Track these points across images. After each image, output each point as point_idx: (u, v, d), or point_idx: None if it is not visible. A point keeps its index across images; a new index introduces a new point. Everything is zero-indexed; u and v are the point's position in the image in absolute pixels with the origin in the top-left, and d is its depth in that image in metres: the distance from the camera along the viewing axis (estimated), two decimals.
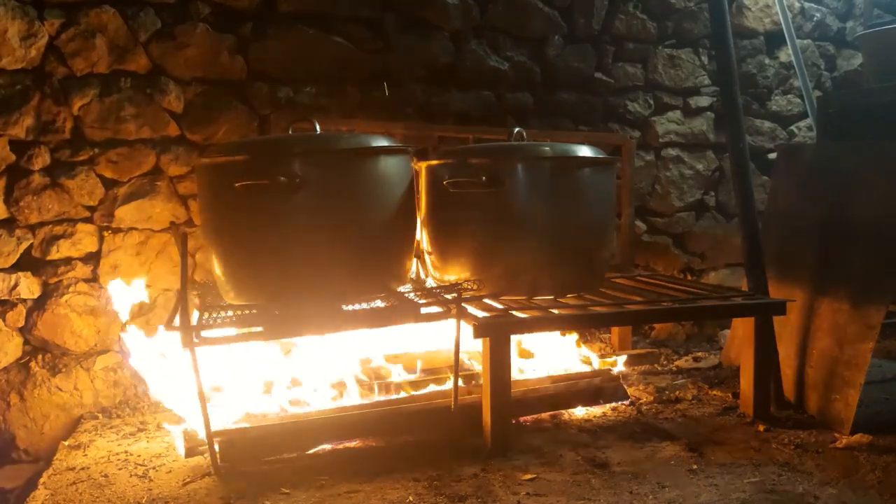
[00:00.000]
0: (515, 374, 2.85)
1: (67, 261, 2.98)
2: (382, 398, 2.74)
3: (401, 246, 2.51)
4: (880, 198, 2.70)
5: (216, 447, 2.29)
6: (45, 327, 2.95)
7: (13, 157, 2.86)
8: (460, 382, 2.78)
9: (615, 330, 3.51)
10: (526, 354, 3.19)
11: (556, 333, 3.18)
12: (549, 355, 3.15)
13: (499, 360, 2.42)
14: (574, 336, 3.35)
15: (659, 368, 3.45)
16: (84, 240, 2.99)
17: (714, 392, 3.05)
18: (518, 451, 2.44)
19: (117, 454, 2.53)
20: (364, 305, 2.43)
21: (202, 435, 2.32)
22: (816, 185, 3.02)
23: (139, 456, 2.50)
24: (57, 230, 2.95)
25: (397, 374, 2.89)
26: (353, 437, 2.53)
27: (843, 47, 4.25)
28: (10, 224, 2.88)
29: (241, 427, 2.42)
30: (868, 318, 2.57)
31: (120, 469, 2.40)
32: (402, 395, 2.79)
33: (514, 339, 3.05)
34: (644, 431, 2.63)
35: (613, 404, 2.89)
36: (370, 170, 2.39)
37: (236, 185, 2.23)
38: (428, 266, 2.85)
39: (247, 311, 2.37)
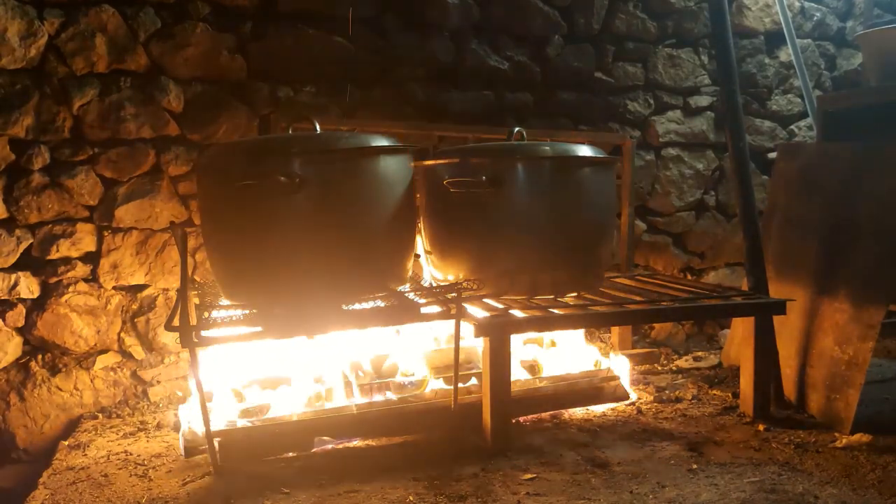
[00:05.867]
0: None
1: (67, 260, 2.98)
2: (383, 398, 2.74)
3: (401, 246, 2.51)
4: (880, 197, 2.70)
5: (216, 447, 2.29)
6: (45, 327, 2.95)
7: (13, 157, 2.86)
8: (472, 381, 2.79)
9: (615, 330, 3.51)
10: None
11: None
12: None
13: (499, 359, 2.42)
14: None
15: (659, 368, 3.45)
16: (84, 239, 2.98)
17: (714, 392, 3.05)
18: (518, 450, 2.44)
19: (117, 454, 2.53)
20: (364, 305, 2.43)
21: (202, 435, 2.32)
22: (816, 185, 3.02)
23: (139, 456, 2.50)
24: (56, 230, 2.95)
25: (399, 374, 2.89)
26: (353, 437, 2.53)
27: (843, 47, 4.25)
28: (9, 224, 2.88)
29: (241, 427, 2.42)
30: (868, 317, 2.57)
31: (120, 469, 2.40)
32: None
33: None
34: (644, 431, 2.63)
35: (613, 404, 2.89)
36: (370, 170, 2.39)
37: (236, 184, 2.23)
38: (428, 266, 2.84)
39: (247, 311, 2.37)
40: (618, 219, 3.43)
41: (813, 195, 3.01)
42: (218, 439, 2.32)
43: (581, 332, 3.21)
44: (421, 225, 2.78)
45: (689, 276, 3.98)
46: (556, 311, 2.51)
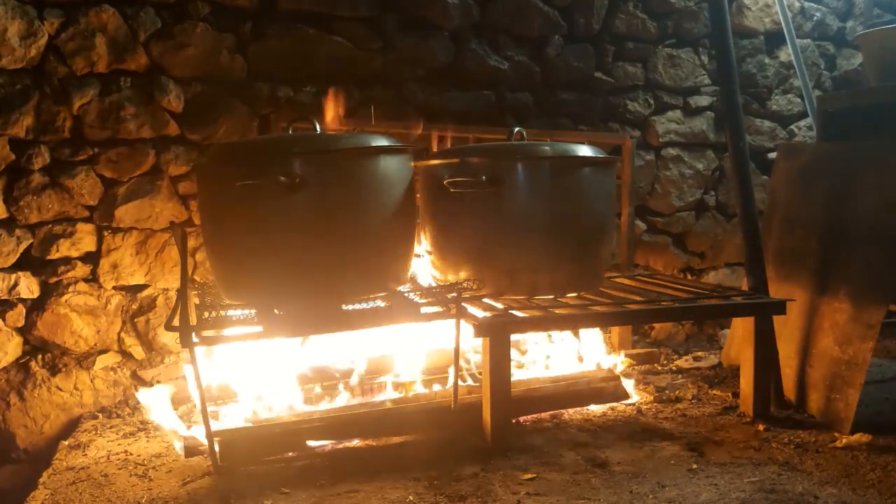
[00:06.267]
0: None
1: (67, 260, 2.98)
2: (382, 398, 2.74)
3: (401, 246, 2.51)
4: (880, 197, 2.70)
5: (216, 447, 2.29)
6: (45, 327, 2.95)
7: (13, 157, 2.86)
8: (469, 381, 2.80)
9: (615, 329, 3.51)
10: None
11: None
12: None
13: (499, 359, 2.42)
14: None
15: (659, 368, 3.45)
16: (84, 239, 2.99)
17: (714, 392, 3.05)
18: (518, 450, 2.44)
19: (117, 454, 2.53)
20: (364, 305, 2.43)
21: (202, 435, 2.32)
22: (816, 185, 3.02)
23: (139, 456, 2.50)
24: (56, 230, 2.95)
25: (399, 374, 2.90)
26: (353, 437, 2.53)
27: (843, 47, 4.25)
28: (9, 223, 2.88)
29: (241, 427, 2.42)
30: (868, 317, 2.57)
31: (120, 469, 2.40)
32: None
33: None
34: (644, 431, 2.63)
35: (613, 404, 2.89)
36: (370, 170, 2.39)
37: (236, 184, 2.23)
38: (428, 266, 2.84)
39: (246, 311, 2.37)
40: (618, 219, 3.44)
41: (813, 195, 3.02)
42: (218, 439, 2.31)
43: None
44: (421, 225, 2.78)
45: (689, 276, 3.98)
46: (556, 311, 2.51)
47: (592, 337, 3.26)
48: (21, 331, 2.95)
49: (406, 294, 2.50)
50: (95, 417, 2.93)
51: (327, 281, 2.35)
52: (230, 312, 2.37)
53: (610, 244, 2.85)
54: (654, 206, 3.88)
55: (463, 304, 2.46)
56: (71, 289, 2.98)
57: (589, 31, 3.66)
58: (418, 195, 2.73)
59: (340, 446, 2.49)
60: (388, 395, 2.79)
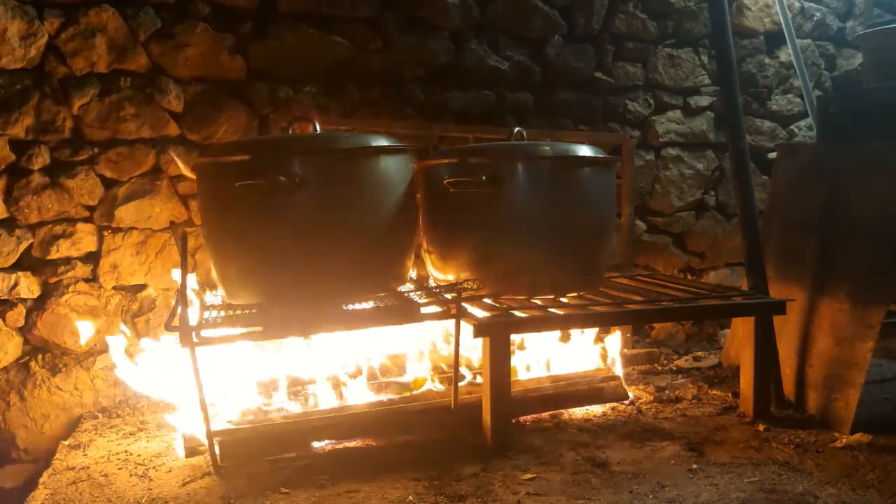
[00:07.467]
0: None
1: (67, 260, 2.98)
2: (382, 398, 2.74)
3: (401, 246, 2.51)
4: (880, 197, 2.70)
5: (216, 447, 2.29)
6: (45, 327, 2.95)
7: (13, 157, 2.86)
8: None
9: (615, 330, 3.51)
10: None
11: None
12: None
13: (499, 359, 2.42)
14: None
15: (659, 368, 3.45)
16: (84, 239, 2.99)
17: (714, 391, 3.05)
18: (518, 450, 2.44)
19: (117, 454, 2.53)
20: (364, 305, 2.43)
21: (202, 435, 2.32)
22: (817, 185, 3.02)
23: (139, 455, 2.50)
24: (57, 230, 2.95)
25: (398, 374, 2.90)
26: (353, 437, 2.53)
27: (843, 47, 4.25)
28: (9, 224, 2.88)
29: (242, 427, 2.42)
30: (868, 317, 2.57)
31: (120, 469, 2.41)
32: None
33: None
34: (644, 431, 2.63)
35: (613, 404, 2.89)
36: (370, 169, 2.39)
37: (236, 184, 2.23)
38: (428, 266, 2.84)
39: (246, 311, 2.37)
40: (618, 219, 3.43)
41: (813, 195, 3.02)
42: (218, 439, 2.31)
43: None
44: (421, 225, 2.78)
45: (689, 276, 3.98)
46: (556, 311, 2.51)
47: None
48: (21, 331, 2.95)
49: (406, 294, 2.50)
50: (95, 417, 2.93)
51: (327, 281, 2.35)
52: (230, 312, 2.37)
53: (610, 244, 2.85)
54: (654, 206, 3.88)
55: (463, 304, 2.46)
56: (71, 289, 2.98)
57: (589, 31, 3.66)
58: (418, 195, 2.73)
59: (340, 446, 2.49)
60: (386, 395, 2.78)
